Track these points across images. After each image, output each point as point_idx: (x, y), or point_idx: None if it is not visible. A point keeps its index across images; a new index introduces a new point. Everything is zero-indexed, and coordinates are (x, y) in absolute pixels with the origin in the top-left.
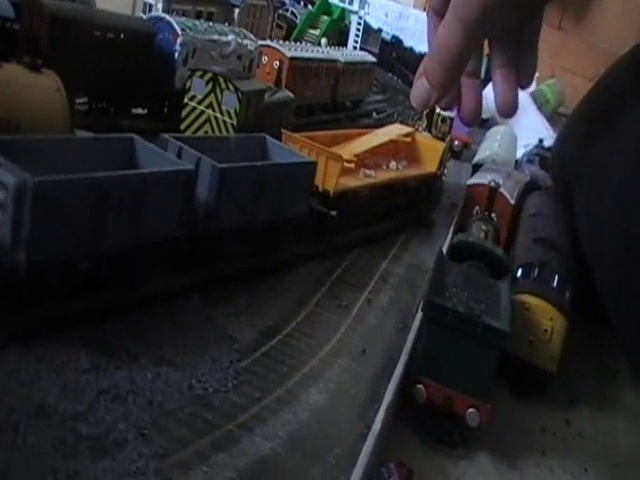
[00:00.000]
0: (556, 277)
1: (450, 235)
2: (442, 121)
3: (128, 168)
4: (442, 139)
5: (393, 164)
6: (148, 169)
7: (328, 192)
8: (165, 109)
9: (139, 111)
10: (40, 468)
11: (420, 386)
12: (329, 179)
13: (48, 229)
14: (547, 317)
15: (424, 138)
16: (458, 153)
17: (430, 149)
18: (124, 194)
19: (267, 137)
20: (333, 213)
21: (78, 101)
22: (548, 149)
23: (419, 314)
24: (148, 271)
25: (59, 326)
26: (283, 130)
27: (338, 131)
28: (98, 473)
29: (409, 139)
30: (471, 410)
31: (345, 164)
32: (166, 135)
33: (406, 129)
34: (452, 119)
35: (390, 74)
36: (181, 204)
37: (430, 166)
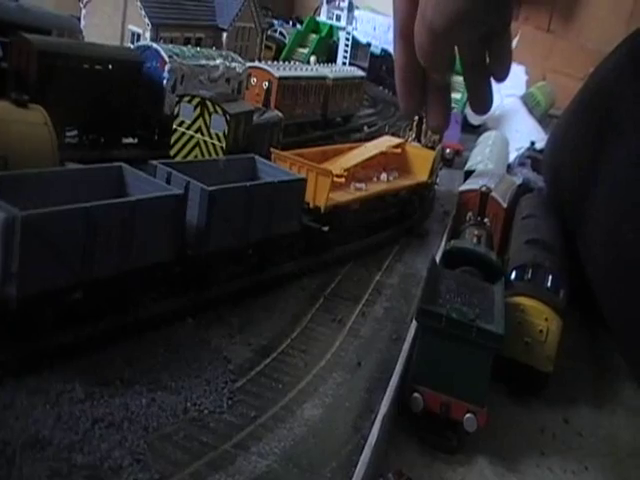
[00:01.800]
0: (550, 277)
1: (444, 242)
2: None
3: (118, 196)
4: (432, 148)
5: (384, 176)
6: (137, 196)
7: (319, 208)
8: (155, 136)
9: (129, 140)
10: None
11: (417, 395)
12: (320, 195)
13: (38, 261)
14: (542, 318)
15: (414, 148)
16: (450, 160)
17: (420, 159)
18: (113, 222)
19: (256, 157)
20: (325, 228)
21: (68, 134)
22: (540, 151)
23: (413, 323)
24: (140, 297)
25: (53, 357)
26: (272, 149)
27: (328, 147)
28: None
29: (399, 150)
30: (468, 415)
31: (335, 179)
32: (154, 162)
33: (396, 140)
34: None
35: (380, 87)
36: (171, 229)
37: (421, 175)
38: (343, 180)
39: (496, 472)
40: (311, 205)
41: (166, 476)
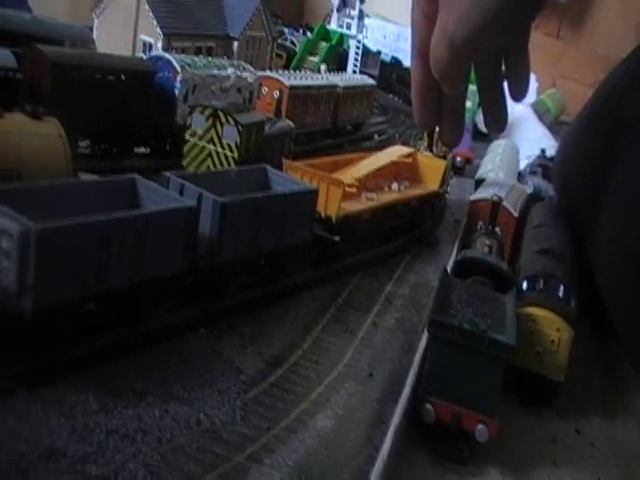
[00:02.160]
0: (561, 287)
1: (455, 252)
2: None
3: (131, 208)
4: (444, 157)
5: (395, 185)
6: (150, 208)
7: (330, 218)
8: (167, 146)
9: (142, 150)
10: None
11: (429, 406)
12: (331, 205)
13: (53, 274)
14: (554, 328)
15: (425, 157)
16: (461, 169)
17: (431, 168)
18: (126, 234)
19: (268, 167)
20: (336, 238)
21: (81, 144)
22: (551, 159)
23: (425, 333)
24: (153, 308)
25: (67, 369)
26: (283, 159)
27: (339, 156)
28: None
29: (410, 159)
30: (480, 426)
31: (347, 189)
32: (167, 173)
33: (407, 150)
34: None
35: (391, 95)
36: (184, 240)
37: (432, 185)
38: (354, 190)
39: None
40: (322, 215)
41: None
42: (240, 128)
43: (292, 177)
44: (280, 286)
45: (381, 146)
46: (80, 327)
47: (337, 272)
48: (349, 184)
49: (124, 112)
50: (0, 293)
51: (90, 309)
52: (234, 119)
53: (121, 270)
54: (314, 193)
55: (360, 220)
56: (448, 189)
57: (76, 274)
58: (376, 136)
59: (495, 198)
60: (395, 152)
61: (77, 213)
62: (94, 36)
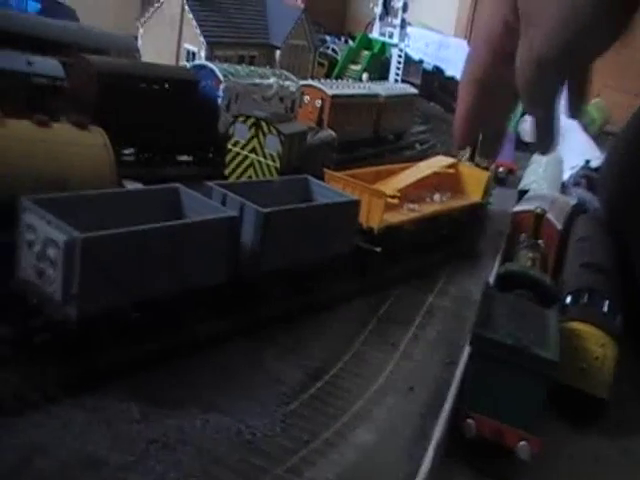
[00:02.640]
0: (606, 303)
1: (497, 264)
2: None
3: (174, 217)
4: (487, 168)
5: (437, 196)
6: (192, 218)
7: (372, 229)
8: (210, 155)
9: (184, 158)
10: None
11: (470, 421)
12: (373, 216)
13: (97, 283)
14: (598, 344)
15: (467, 168)
16: (503, 180)
17: (474, 179)
18: (168, 244)
19: (309, 178)
20: (378, 249)
21: (125, 152)
22: (595, 170)
23: (467, 347)
24: (193, 318)
25: (109, 377)
26: (325, 169)
27: (381, 167)
28: None
29: (452, 170)
30: (522, 443)
31: (389, 200)
32: (210, 183)
33: (449, 160)
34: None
35: (432, 103)
36: (225, 250)
37: (475, 196)
38: (397, 201)
39: None
40: (364, 226)
41: None
42: (282, 138)
43: (334, 188)
44: (320, 297)
45: (423, 155)
46: (123, 335)
47: (378, 284)
48: (391, 195)
49: (168, 121)
50: (46, 301)
51: (133, 317)
52: (276, 129)
53: (163, 279)
54: (356, 204)
55: (402, 231)
56: (491, 200)
57: (119, 282)
58: (418, 145)
59: (539, 210)
60: (437, 162)
61: (121, 222)
62: (139, 45)
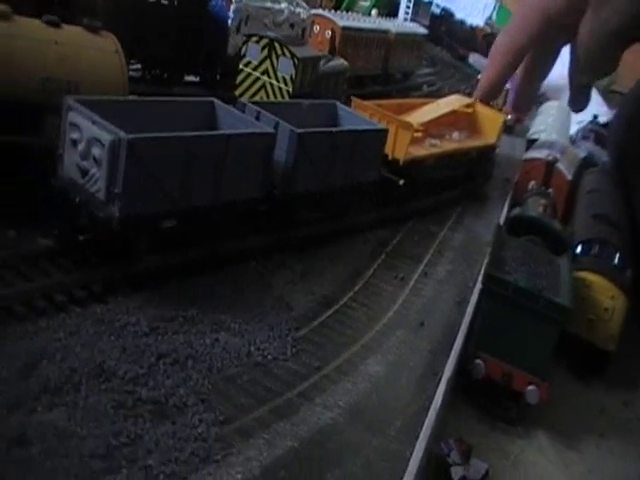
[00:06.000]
0: (617, 255)
1: (505, 209)
2: None
3: (211, 129)
4: (500, 109)
5: (456, 134)
6: (231, 130)
7: (398, 160)
8: (217, 76)
9: (191, 78)
10: (102, 430)
11: (479, 361)
12: (399, 148)
13: (140, 185)
14: (608, 295)
15: (484, 109)
16: (511, 127)
17: (490, 120)
18: (209, 154)
19: (338, 104)
20: (401, 182)
21: (131, 67)
22: (603, 125)
23: (477, 288)
24: (228, 231)
25: (118, 288)
26: (353, 97)
27: (403, 100)
28: (159, 437)
29: (470, 110)
30: (531, 387)
31: (415, 133)
32: (244, 100)
33: (467, 100)
34: (507, 91)
35: (439, 47)
36: (261, 165)
37: (490, 138)
38: (421, 135)
39: (556, 448)
40: (390, 157)
41: (230, 419)
42: (296, 61)
43: (361, 115)
44: (345, 223)
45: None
46: (159, 242)
47: (397, 216)
48: (417, 128)
49: (176, 38)
50: (89, 199)
51: (170, 225)
52: (290, 51)
53: (202, 189)
54: (384, 133)
55: (424, 165)
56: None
57: (160, 188)
58: (425, 87)
59: (551, 158)
60: (455, 101)
61: (160, 129)
62: None
